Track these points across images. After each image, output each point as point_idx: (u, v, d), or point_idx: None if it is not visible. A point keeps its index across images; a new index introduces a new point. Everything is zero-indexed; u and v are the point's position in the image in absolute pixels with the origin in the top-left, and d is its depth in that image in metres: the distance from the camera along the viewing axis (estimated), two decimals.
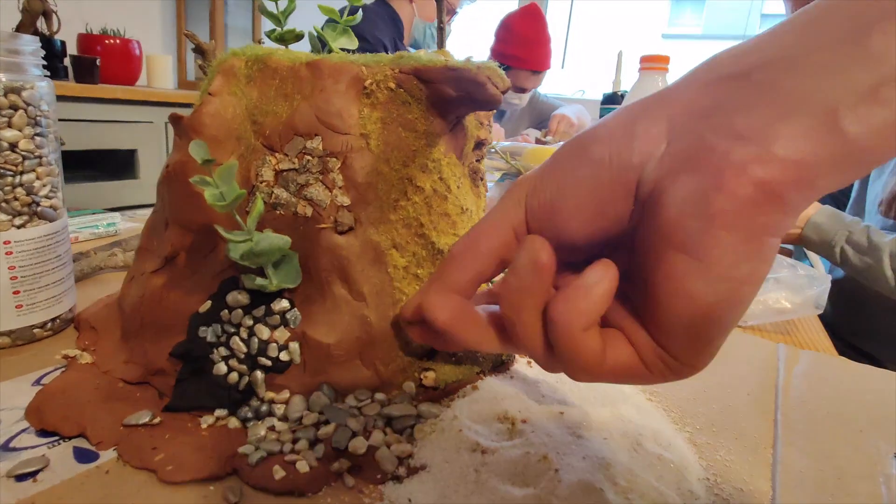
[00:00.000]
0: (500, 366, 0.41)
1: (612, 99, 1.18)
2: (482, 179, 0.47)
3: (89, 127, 1.65)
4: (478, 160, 0.47)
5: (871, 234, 0.92)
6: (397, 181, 0.38)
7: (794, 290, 0.69)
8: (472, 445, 0.32)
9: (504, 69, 0.38)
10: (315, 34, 0.46)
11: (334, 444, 0.31)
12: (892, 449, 0.39)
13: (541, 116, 2.16)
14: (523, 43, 1.95)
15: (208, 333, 0.34)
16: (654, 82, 1.02)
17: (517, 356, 0.43)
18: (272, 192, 0.36)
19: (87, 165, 1.77)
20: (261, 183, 0.36)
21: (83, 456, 0.30)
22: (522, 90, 2.04)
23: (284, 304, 0.35)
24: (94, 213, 0.74)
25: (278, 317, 0.35)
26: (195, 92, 2.07)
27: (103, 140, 1.69)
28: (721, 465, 0.35)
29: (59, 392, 0.35)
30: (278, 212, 0.36)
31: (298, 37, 0.47)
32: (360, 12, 0.45)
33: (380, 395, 0.35)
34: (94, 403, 0.34)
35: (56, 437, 0.32)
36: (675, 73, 1.06)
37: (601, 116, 1.25)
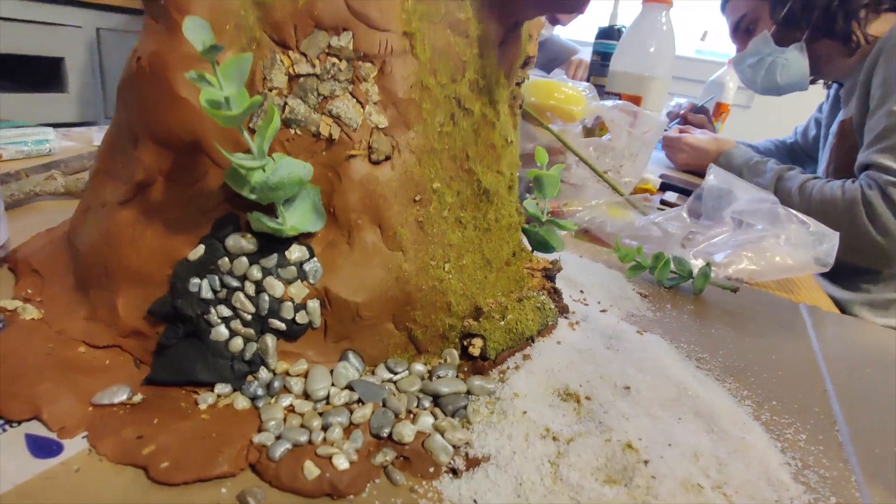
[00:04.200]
0: (543, 329, 0.35)
1: (608, 33, 1.10)
2: (520, 107, 0.40)
3: (3, 27, 1.41)
4: (518, 83, 0.39)
5: (770, 164, 1.08)
6: (444, 100, 0.30)
7: (800, 248, 0.67)
8: (541, 431, 0.26)
9: None
10: None
11: (374, 430, 0.25)
12: None
13: (551, 57, 1.98)
14: None
15: (202, 288, 0.26)
16: (657, 18, 0.95)
17: (559, 319, 0.37)
18: (285, 103, 0.27)
19: (2, 74, 1.53)
20: (269, 90, 0.27)
21: (41, 448, 0.23)
22: (555, 22, 1.83)
23: (302, 252, 0.27)
24: (19, 127, 0.61)
25: (294, 268, 0.27)
26: None
27: (22, 44, 1.45)
28: (795, 446, 0.31)
29: None
30: (293, 131, 0.27)
31: None
32: None
33: (419, 366, 0.29)
34: (49, 374, 0.25)
35: (0, 422, 0.24)
36: (679, 8, 0.99)
37: (594, 52, 1.17)
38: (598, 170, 0.71)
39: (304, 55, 0.27)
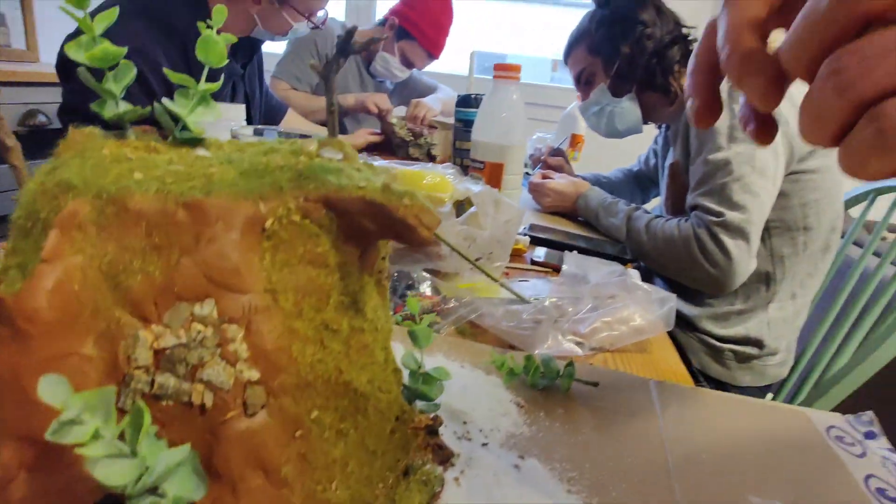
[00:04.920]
0: (431, 499, 0.38)
1: (466, 101, 1.17)
2: (387, 278, 0.43)
3: None
4: (382, 258, 0.42)
5: (620, 205, 1.24)
6: (313, 333, 0.32)
7: (648, 310, 0.77)
8: None
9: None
10: (164, 108, 0.37)
11: None
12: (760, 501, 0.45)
13: (413, 95, 2.06)
14: (433, 21, 1.80)
15: None
16: (507, 92, 1.03)
17: (445, 474, 0.41)
18: (153, 379, 0.27)
19: None
20: (135, 370, 0.27)
21: None
22: (410, 66, 1.92)
23: None
24: None
25: None
26: None
27: None
28: None
29: None
30: (164, 403, 0.28)
31: (143, 116, 0.37)
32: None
33: None
34: None
35: None
36: (525, 83, 1.07)
37: (457, 119, 1.24)
38: (471, 258, 0.76)
39: (168, 327, 0.28)
